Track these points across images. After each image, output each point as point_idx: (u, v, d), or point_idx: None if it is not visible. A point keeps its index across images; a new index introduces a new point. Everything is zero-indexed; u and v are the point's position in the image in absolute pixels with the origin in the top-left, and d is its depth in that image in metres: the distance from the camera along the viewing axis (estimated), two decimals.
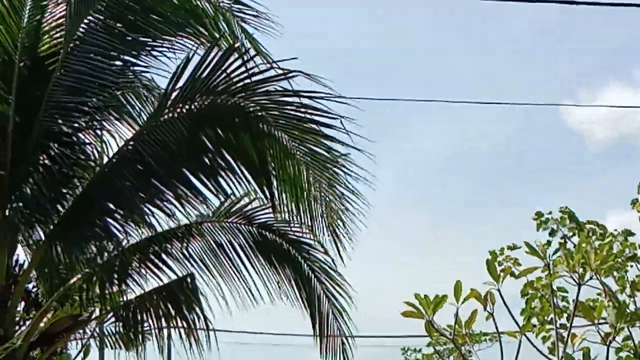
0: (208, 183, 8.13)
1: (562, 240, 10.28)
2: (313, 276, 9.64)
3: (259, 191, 8.24)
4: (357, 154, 8.03)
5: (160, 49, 8.59)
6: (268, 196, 8.19)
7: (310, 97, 7.92)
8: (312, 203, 8.21)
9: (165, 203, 8.32)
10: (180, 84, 8.11)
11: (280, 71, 7.81)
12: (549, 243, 10.19)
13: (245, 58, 7.96)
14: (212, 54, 7.92)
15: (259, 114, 7.97)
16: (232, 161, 8.09)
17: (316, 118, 7.99)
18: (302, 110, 7.92)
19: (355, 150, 7.95)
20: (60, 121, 8.56)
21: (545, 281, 9.40)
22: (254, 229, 9.56)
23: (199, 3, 8.54)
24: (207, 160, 8.12)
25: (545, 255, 9.17)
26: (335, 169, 8.16)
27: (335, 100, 7.87)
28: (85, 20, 8.60)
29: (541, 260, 9.16)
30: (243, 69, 7.92)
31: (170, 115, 8.08)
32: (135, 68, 8.58)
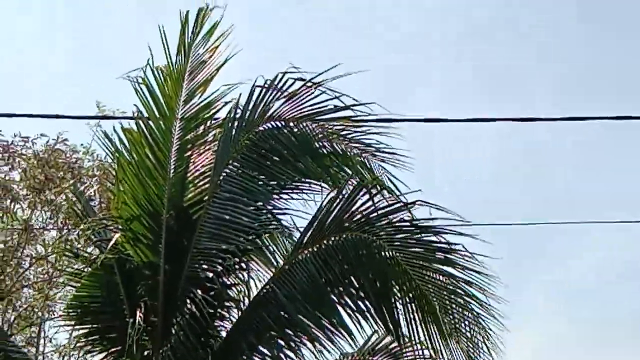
0: (335, 321, 8.21)
1: None
2: None
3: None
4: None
5: (290, 192, 8.89)
6: (393, 330, 8.15)
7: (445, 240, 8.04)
8: (444, 338, 8.10)
9: (306, 342, 8.41)
10: (313, 225, 8.38)
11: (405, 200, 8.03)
12: None
13: (373, 192, 8.18)
14: (339, 196, 8.23)
15: (384, 246, 8.09)
16: (357, 296, 8.17)
17: (447, 255, 8.08)
18: (430, 243, 8.00)
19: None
20: (205, 267, 8.86)
21: None
22: None
23: (324, 151, 8.88)
24: (334, 298, 8.23)
25: None
26: (467, 306, 8.10)
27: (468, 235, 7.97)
28: (225, 170, 8.99)
29: None
30: (370, 203, 8.14)
31: (303, 256, 8.32)
32: (269, 211, 8.85)
